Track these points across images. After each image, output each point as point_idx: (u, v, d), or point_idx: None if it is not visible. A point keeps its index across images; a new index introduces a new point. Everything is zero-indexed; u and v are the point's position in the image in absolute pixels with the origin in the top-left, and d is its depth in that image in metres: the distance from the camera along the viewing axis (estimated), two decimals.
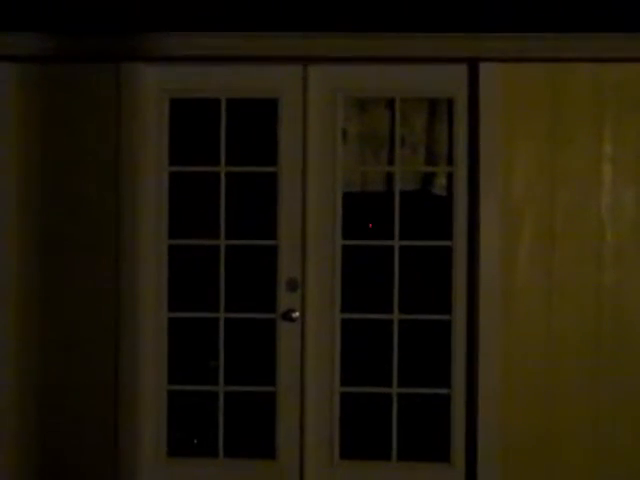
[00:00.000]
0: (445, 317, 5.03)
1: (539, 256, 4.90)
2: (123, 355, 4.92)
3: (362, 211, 5.14)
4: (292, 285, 5.03)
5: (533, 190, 4.90)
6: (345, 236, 5.04)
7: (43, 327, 4.98)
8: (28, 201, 5.00)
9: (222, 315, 5.08)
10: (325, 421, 5.04)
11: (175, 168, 5.08)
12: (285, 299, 5.05)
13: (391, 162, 5.12)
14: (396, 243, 5.04)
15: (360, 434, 5.13)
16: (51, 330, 4.97)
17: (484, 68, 4.88)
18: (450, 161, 5.05)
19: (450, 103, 5.05)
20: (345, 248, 5.05)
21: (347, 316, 5.05)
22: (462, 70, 4.97)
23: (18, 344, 4.98)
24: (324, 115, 5.02)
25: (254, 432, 5.14)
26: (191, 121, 5.14)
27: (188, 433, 5.18)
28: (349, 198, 5.07)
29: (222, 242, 5.08)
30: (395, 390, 5.04)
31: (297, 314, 5.02)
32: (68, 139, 4.97)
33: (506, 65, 4.87)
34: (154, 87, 5.03)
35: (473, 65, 4.92)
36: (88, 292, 4.96)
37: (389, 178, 5.15)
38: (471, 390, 4.96)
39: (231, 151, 5.05)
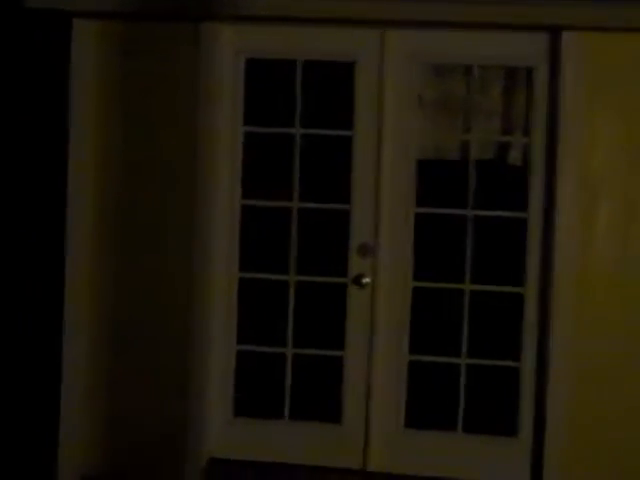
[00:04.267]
0: (517, 290, 4.97)
1: (617, 232, 4.80)
2: (195, 314, 4.96)
3: (436, 179, 5.08)
4: (364, 250, 5.00)
5: (613, 164, 4.81)
6: (418, 203, 5.01)
7: (118, 302, 5.07)
8: (106, 165, 5.06)
9: (293, 278, 5.09)
10: (392, 388, 5.03)
11: (250, 128, 5.08)
12: (356, 264, 5.02)
13: (467, 130, 5.07)
14: (469, 213, 4.99)
15: (427, 403, 5.10)
16: (124, 297, 5.07)
17: (567, 37, 4.78)
18: (527, 131, 4.97)
19: (529, 72, 4.96)
20: (418, 216, 5.02)
21: (418, 284, 5.03)
22: (543, 38, 4.87)
23: (91, 326, 5.08)
24: (400, 80, 4.98)
25: (320, 396, 5.14)
26: (267, 82, 5.14)
27: (255, 394, 5.19)
28: (423, 165, 5.02)
29: (295, 205, 5.08)
30: (464, 361, 5.01)
31: (368, 279, 5.00)
32: (146, 99, 5.01)
33: (589, 34, 4.76)
34: (231, 46, 5.03)
35: (555, 34, 4.82)
36: (163, 258, 5.01)
37: (464, 146, 5.09)
38: (541, 365, 4.89)
39: (306, 113, 5.04)
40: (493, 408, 5.06)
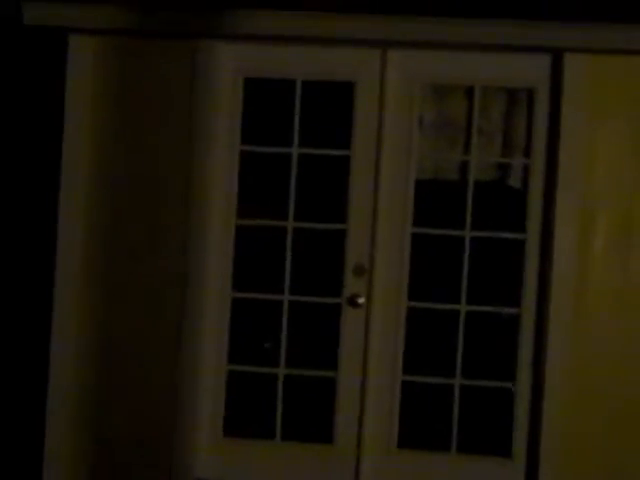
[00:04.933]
0: (514, 311, 4.95)
1: (615, 257, 4.78)
2: (186, 331, 4.90)
3: (434, 199, 5.04)
4: (359, 270, 4.97)
5: (613, 189, 4.78)
6: (415, 224, 4.97)
7: (106, 308, 4.99)
8: (99, 177, 4.98)
9: (286, 297, 5.04)
10: (385, 409, 4.99)
11: (247, 147, 5.02)
12: (351, 284, 4.99)
13: (466, 151, 5.02)
14: (467, 234, 4.95)
15: (420, 424, 5.08)
16: (114, 311, 4.99)
17: (569, 59, 4.75)
18: (527, 153, 4.94)
19: (530, 94, 4.93)
20: (415, 236, 4.98)
21: (413, 304, 4.99)
22: (545, 60, 4.85)
23: (80, 326, 4.99)
24: (401, 100, 4.94)
25: (312, 416, 5.11)
26: (265, 101, 5.08)
27: (246, 415, 5.15)
28: (421, 186, 4.99)
29: (290, 224, 5.03)
30: (458, 381, 4.98)
31: (362, 299, 4.96)
32: (141, 114, 4.94)
33: (591, 56, 4.73)
34: (229, 65, 4.96)
35: (557, 55, 4.79)
36: (154, 273, 4.94)
37: (463, 167, 5.04)
38: (536, 387, 4.88)
39: (304, 133, 4.99)
40: (487, 429, 5.05)
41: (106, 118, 4.94)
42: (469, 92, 4.99)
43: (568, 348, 4.79)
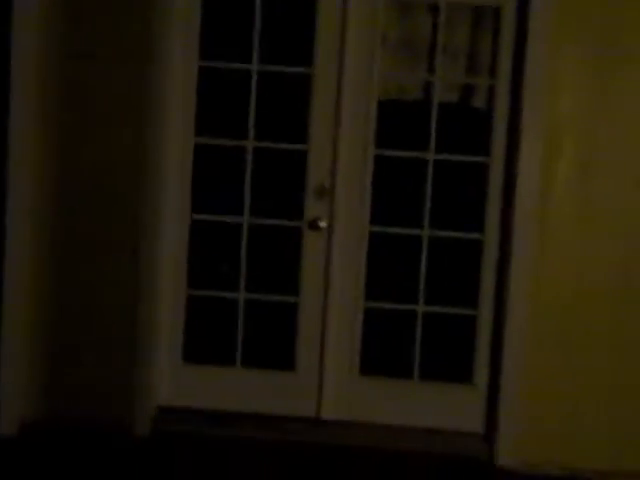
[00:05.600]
0: (477, 236, 4.91)
1: (579, 181, 4.71)
2: (143, 258, 4.78)
3: (397, 120, 4.97)
4: (320, 192, 4.89)
5: (579, 111, 4.70)
6: (378, 145, 4.88)
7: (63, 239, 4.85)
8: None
9: (246, 220, 4.95)
10: (347, 335, 4.95)
11: (205, 63, 4.86)
12: (312, 207, 4.91)
13: (430, 71, 4.94)
14: (431, 156, 4.87)
15: (382, 351, 5.07)
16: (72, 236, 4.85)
17: None
18: (492, 73, 4.85)
19: (497, 12, 4.81)
20: (377, 158, 4.89)
21: (376, 229, 4.93)
22: None
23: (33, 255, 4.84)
24: (364, 17, 4.80)
25: (273, 342, 5.07)
26: (223, 15, 4.92)
27: (206, 340, 5.09)
28: (385, 106, 4.88)
29: (250, 143, 4.91)
30: (421, 308, 4.95)
31: (324, 223, 4.89)
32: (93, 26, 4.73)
33: None
34: None
35: None
36: (110, 192, 4.80)
37: (427, 88, 4.96)
38: (498, 313, 4.85)
39: (264, 48, 4.85)
40: (449, 355, 5.04)
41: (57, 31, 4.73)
42: (434, 9, 4.88)
43: (531, 273, 4.74)
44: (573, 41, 4.65)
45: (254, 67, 4.86)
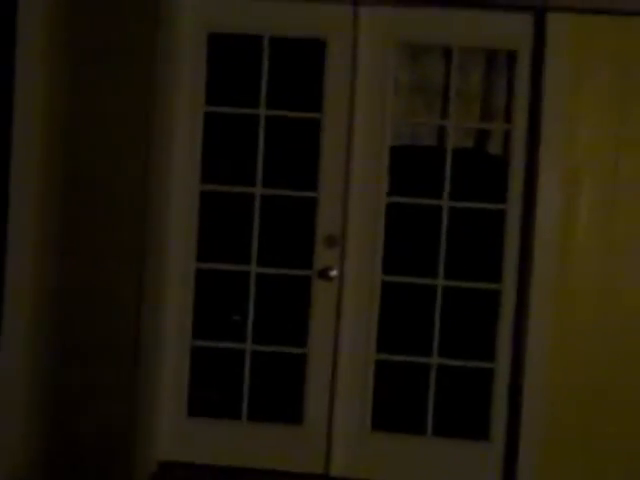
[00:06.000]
0: (494, 286, 4.77)
1: (598, 226, 4.58)
2: (147, 306, 4.62)
3: (410, 167, 4.94)
4: (331, 241, 4.79)
5: (597, 154, 4.58)
6: (390, 193, 4.79)
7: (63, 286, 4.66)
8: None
9: (254, 269, 4.84)
10: (358, 388, 4.83)
11: (212, 108, 4.81)
12: (323, 256, 4.80)
13: (444, 116, 4.83)
14: (445, 203, 4.76)
15: (394, 405, 5.00)
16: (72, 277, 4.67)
17: (552, 19, 4.54)
18: (508, 118, 4.77)
19: (512, 55, 4.75)
20: (390, 206, 4.79)
21: (388, 278, 4.81)
22: (527, 20, 4.65)
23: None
24: (375, 61, 4.73)
25: (281, 395, 5.00)
26: (231, 59, 4.91)
27: (211, 393, 5.04)
28: (397, 152, 4.81)
29: (258, 190, 4.82)
30: (435, 361, 4.81)
31: (335, 272, 4.78)
32: (101, 67, 4.56)
33: (575, 17, 4.52)
34: (192, 20, 4.75)
35: (540, 15, 4.59)
36: (113, 249, 4.63)
37: (441, 133, 4.89)
38: (516, 366, 4.71)
39: (272, 94, 4.77)
40: (464, 410, 4.97)
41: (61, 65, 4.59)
42: (447, 53, 4.81)
43: (551, 324, 4.62)
44: (589, 75, 4.57)
45: (262, 112, 4.79)
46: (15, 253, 4.58)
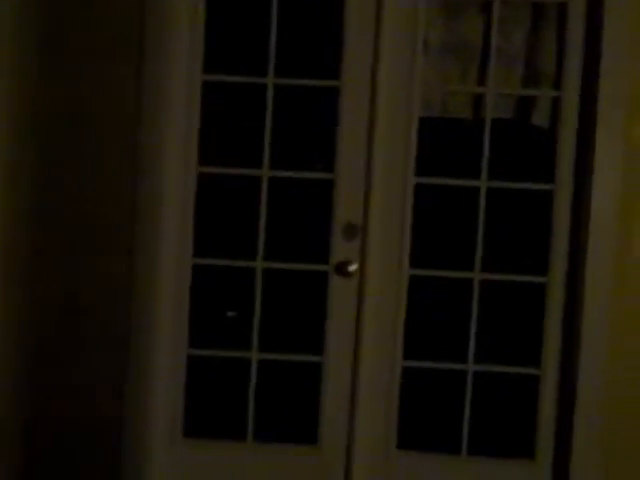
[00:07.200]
0: (539, 279, 4.43)
1: None
2: (138, 312, 4.35)
3: (442, 142, 4.58)
4: (350, 231, 4.43)
5: None
6: (419, 172, 4.44)
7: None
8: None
9: (260, 264, 4.48)
10: (381, 401, 4.48)
11: (210, 77, 4.42)
12: (340, 248, 4.44)
13: (482, 82, 4.51)
14: (483, 184, 4.42)
15: (424, 420, 4.61)
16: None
17: None
18: (557, 84, 4.40)
19: (562, 8, 4.34)
20: (418, 187, 4.45)
21: (416, 272, 4.46)
22: None
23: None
24: (401, 18, 4.34)
25: (292, 411, 4.64)
26: (233, 19, 4.50)
27: (211, 409, 4.65)
28: (426, 124, 4.46)
29: (265, 173, 4.46)
30: (471, 367, 4.48)
31: (354, 267, 4.43)
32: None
33: None
34: None
35: None
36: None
37: (478, 102, 4.58)
38: (567, 373, 4.35)
39: (281, 59, 4.42)
40: (505, 425, 4.59)
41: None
42: (485, 8, 4.43)
43: (608, 325, 4.28)
44: None
45: (269, 80, 4.42)
46: None
